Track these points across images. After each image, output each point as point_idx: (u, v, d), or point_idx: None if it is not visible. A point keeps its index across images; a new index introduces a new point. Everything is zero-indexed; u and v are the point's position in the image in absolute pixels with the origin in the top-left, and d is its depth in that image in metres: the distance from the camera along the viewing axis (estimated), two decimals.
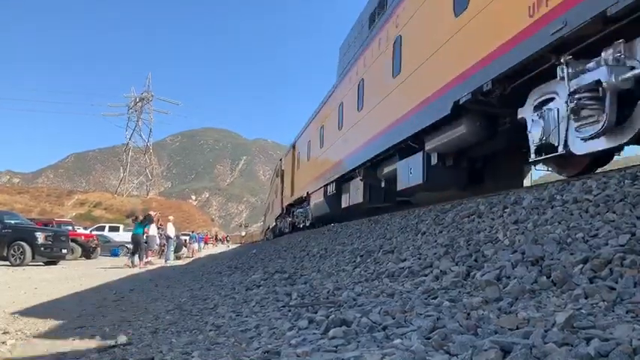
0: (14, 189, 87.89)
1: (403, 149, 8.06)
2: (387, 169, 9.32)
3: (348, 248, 6.56)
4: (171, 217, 19.57)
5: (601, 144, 4.11)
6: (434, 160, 7.18)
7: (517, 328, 1.89)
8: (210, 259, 18.02)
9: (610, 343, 1.48)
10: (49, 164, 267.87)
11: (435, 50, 6.60)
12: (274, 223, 26.89)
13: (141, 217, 15.85)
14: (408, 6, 7.70)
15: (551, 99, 4.64)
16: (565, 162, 5.55)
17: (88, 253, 19.12)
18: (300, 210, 17.20)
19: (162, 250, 18.76)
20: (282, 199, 22.05)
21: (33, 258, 13.46)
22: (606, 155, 5.10)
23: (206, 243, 43.05)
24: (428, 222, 5.68)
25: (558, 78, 4.28)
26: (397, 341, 1.95)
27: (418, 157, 7.43)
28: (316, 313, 2.99)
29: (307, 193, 15.58)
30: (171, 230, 18.41)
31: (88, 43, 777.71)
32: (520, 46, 4.69)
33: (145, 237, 15.23)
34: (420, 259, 4.17)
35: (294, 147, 19.39)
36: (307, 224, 16.11)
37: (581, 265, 2.54)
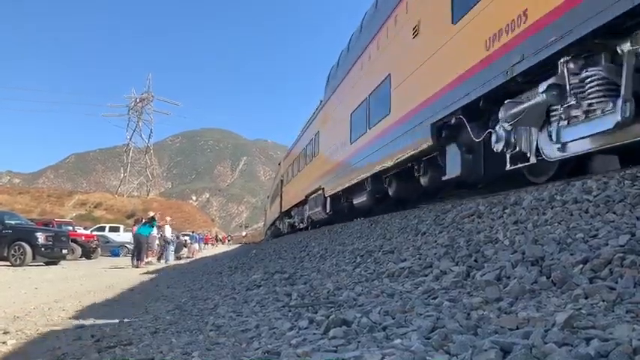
0: (15, 189, 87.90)
1: None
2: None
3: (348, 248, 6.56)
4: (168, 218, 19.54)
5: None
6: None
7: (517, 328, 1.89)
8: (211, 259, 18.03)
9: (610, 343, 1.48)
10: (49, 164, 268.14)
11: None
12: (313, 196, 14.33)
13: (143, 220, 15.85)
14: None
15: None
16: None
17: (88, 253, 19.14)
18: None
19: (162, 251, 18.77)
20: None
21: (33, 258, 13.47)
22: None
23: (206, 243, 43.10)
24: (428, 222, 5.68)
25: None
26: (397, 341, 1.95)
27: None
28: (316, 313, 2.98)
29: None
30: (168, 232, 18.37)
31: (88, 44, 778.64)
32: None
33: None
34: (420, 259, 4.17)
35: None
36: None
37: (581, 266, 2.54)
